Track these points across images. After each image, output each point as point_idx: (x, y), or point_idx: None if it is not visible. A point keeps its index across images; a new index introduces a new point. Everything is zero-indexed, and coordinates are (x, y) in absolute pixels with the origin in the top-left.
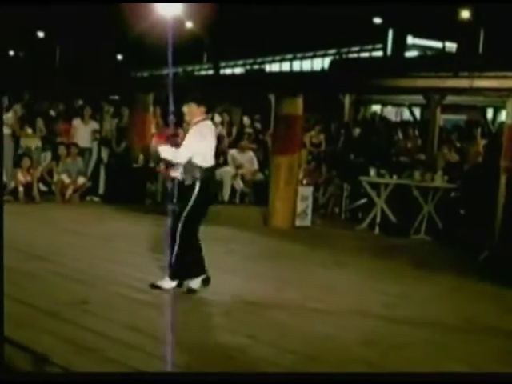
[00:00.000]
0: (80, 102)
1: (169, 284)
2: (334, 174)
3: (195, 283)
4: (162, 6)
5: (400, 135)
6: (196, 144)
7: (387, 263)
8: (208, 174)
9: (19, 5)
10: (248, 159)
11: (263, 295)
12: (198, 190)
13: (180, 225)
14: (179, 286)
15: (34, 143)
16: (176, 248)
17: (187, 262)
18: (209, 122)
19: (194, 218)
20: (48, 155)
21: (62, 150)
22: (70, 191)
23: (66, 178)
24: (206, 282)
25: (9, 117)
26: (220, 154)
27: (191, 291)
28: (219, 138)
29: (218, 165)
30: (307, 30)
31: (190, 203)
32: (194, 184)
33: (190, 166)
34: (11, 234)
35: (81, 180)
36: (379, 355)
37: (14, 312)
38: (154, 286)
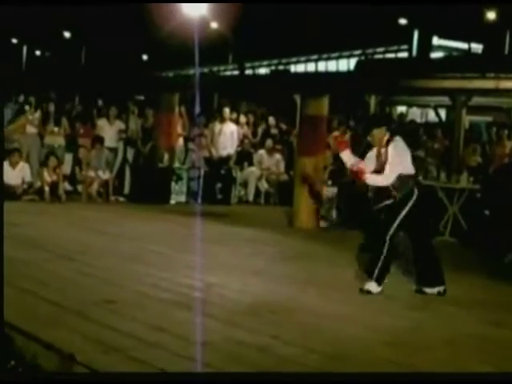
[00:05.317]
0: (100, 102)
1: (377, 288)
2: None
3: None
4: (187, 7)
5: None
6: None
7: (412, 265)
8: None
9: (46, 5)
10: (275, 162)
11: (288, 296)
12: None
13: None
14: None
15: (57, 142)
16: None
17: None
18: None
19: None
20: (70, 157)
21: (82, 153)
22: (95, 186)
23: (91, 173)
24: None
25: (36, 117)
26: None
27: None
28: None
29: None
30: (332, 30)
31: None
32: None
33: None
34: (38, 234)
35: (105, 175)
36: (405, 356)
37: (42, 311)
38: (363, 291)
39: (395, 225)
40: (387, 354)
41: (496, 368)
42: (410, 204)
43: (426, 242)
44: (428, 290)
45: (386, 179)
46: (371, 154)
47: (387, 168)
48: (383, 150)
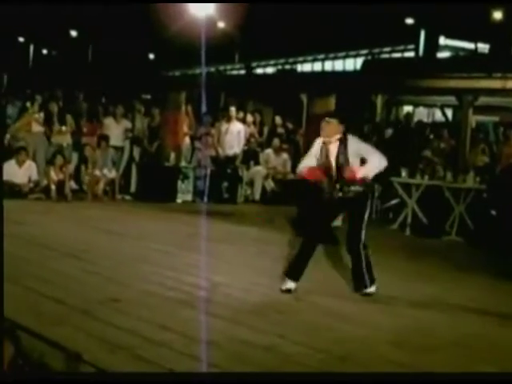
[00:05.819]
0: (103, 100)
1: (373, 289)
2: None
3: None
4: (194, 6)
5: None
6: None
7: (418, 264)
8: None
9: (53, 4)
10: (282, 162)
11: (293, 296)
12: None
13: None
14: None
15: (66, 141)
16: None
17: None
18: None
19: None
20: (75, 156)
21: (88, 151)
22: (101, 185)
23: (97, 172)
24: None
25: (41, 115)
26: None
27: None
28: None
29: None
30: (339, 30)
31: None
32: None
33: None
34: (43, 232)
35: (112, 174)
36: (409, 356)
37: (47, 310)
38: (365, 294)
39: (364, 225)
40: (393, 355)
41: (500, 369)
42: (368, 202)
43: None
44: None
45: (381, 161)
46: (316, 150)
47: (372, 154)
48: (332, 146)
